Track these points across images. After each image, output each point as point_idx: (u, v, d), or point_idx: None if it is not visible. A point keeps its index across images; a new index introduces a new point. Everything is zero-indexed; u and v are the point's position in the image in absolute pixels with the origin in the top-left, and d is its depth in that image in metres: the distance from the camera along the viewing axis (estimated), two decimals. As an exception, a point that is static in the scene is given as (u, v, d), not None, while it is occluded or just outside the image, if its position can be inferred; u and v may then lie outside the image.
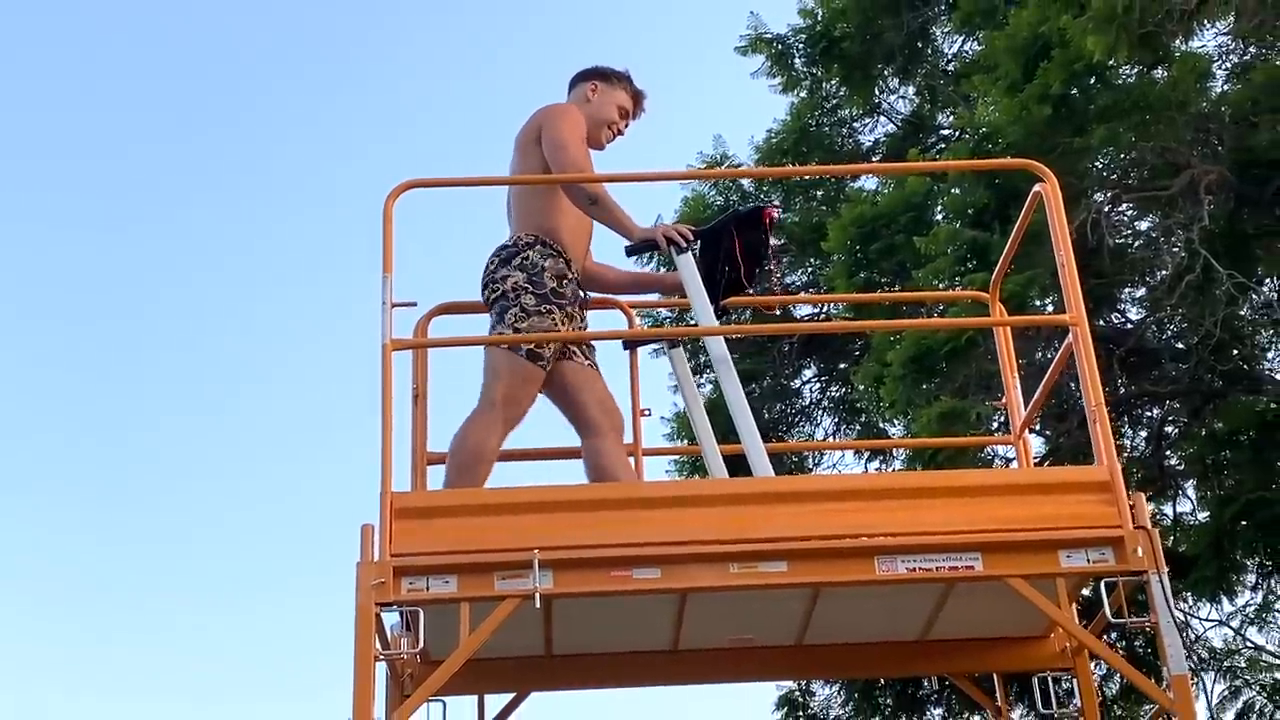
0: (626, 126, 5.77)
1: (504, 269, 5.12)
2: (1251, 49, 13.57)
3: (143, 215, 53.14)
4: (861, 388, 14.96)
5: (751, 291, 5.76)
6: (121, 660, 50.66)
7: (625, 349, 5.67)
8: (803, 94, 16.25)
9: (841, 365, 15.75)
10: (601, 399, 5.36)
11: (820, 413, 16.17)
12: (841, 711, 15.89)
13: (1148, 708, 9.77)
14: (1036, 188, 5.14)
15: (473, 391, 5.21)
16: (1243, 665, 15.78)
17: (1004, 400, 5.96)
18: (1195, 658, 14.09)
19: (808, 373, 16.13)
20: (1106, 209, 13.75)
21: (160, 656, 51.25)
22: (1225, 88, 13.43)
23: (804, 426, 16.39)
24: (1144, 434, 14.93)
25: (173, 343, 52.82)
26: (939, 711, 15.66)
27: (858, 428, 15.72)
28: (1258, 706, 15.63)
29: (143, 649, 51.96)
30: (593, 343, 5.56)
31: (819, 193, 15.56)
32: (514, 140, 5.51)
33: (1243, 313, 14.59)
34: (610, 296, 5.93)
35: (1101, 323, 13.00)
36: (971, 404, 12.36)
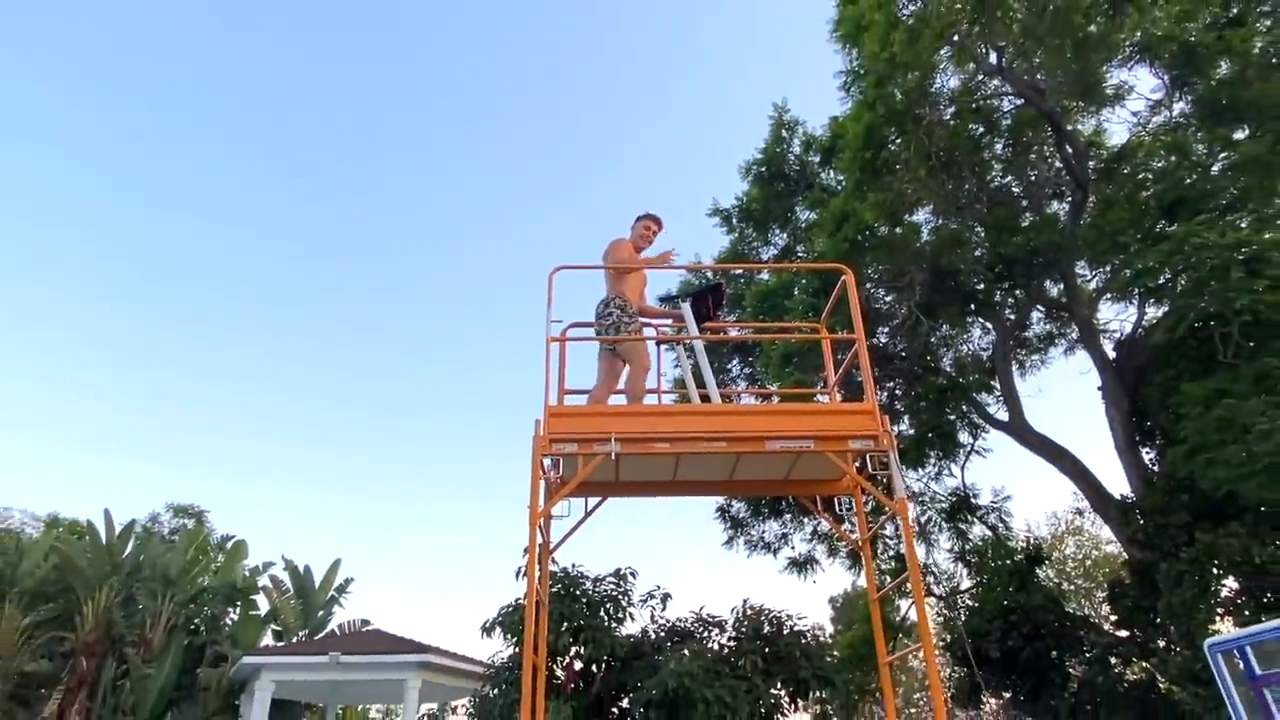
0: (654, 235, 5.81)
1: (609, 308, 5.23)
2: (941, 219, 13.46)
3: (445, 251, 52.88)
4: (760, 368, 14.97)
5: (717, 318, 5.78)
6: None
7: (658, 345, 5.69)
8: (735, 235, 16.25)
9: (750, 358, 15.71)
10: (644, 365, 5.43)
11: (740, 380, 16.11)
12: (745, 513, 15.84)
13: (883, 518, 9.76)
14: (844, 278, 5.10)
15: (584, 368, 5.40)
16: (927, 499, 15.73)
17: (825, 374, 5.91)
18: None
19: (735, 360, 16.07)
20: (872, 290, 13.69)
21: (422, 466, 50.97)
22: (929, 236, 13.33)
23: (735, 386, 16.37)
24: (884, 395, 14.82)
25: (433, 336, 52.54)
26: (789, 515, 15.60)
27: (757, 385, 15.67)
28: (935, 520, 15.56)
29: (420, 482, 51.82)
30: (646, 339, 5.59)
31: (742, 279, 15.50)
32: (602, 252, 5.57)
33: (932, 340, 14.54)
34: (651, 321, 5.97)
35: (870, 342, 12.96)
36: (810, 378, 12.31)
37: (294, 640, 20.23)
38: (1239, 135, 10.73)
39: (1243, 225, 9.56)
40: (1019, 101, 12.74)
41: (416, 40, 48.09)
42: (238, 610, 20.35)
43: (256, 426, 46.32)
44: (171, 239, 42.46)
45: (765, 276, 14.92)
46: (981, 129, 13.09)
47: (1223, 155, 10.75)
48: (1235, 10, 10.95)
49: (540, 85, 51.16)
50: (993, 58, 12.27)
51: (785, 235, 16.26)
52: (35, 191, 39.61)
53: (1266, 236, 8.97)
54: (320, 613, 21.56)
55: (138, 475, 41.42)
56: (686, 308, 5.32)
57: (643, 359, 5.25)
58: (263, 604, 21.16)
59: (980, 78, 12.72)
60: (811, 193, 15.17)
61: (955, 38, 11.59)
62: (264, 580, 21.87)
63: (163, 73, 41.64)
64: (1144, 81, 16.94)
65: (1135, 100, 12.47)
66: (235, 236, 43.99)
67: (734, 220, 16.16)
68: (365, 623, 20.75)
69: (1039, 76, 12.22)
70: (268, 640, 20.41)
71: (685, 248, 23.56)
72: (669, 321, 6.10)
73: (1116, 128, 13.53)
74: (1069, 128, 12.64)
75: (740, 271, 15.72)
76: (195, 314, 44.60)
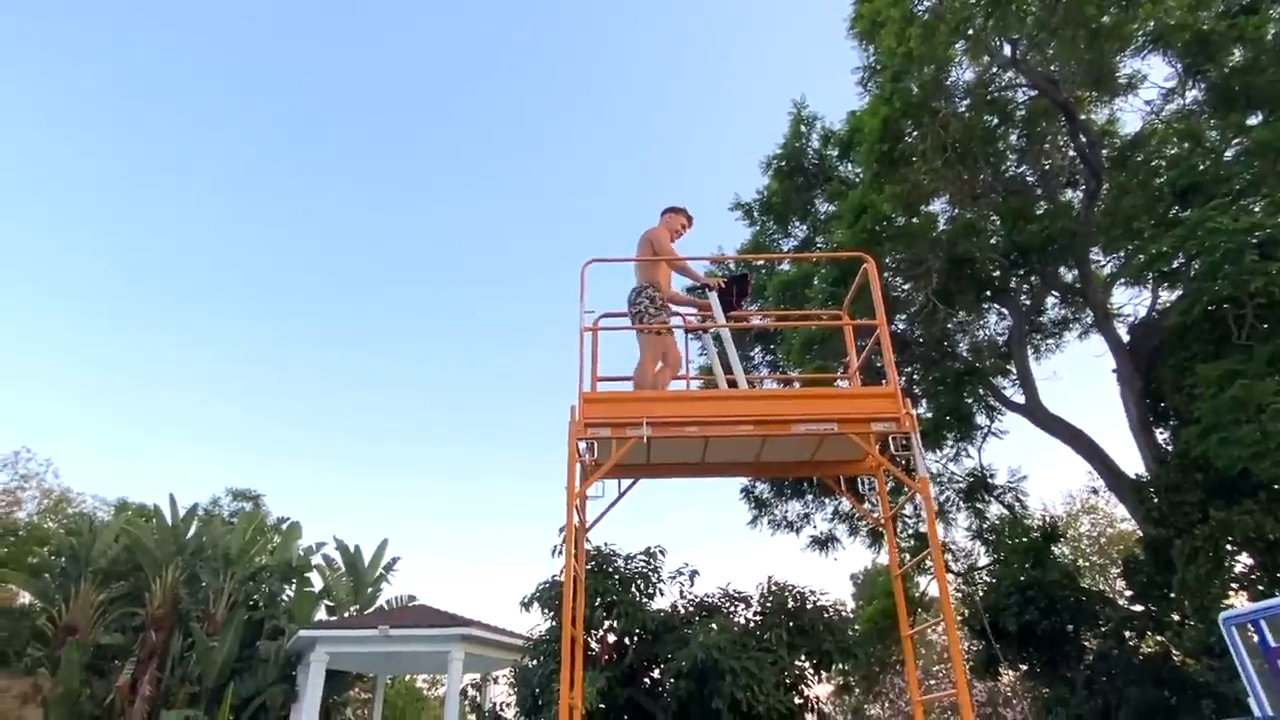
0: (685, 230, 5.79)
1: (640, 297, 5.24)
2: (957, 208, 13.25)
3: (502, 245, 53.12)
4: (783, 354, 14.86)
5: (741, 307, 5.75)
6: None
7: (686, 333, 5.68)
8: (757, 227, 16.07)
9: (773, 345, 15.60)
10: (676, 353, 5.39)
11: (763, 367, 16.01)
12: (769, 494, 15.75)
13: (903, 498, 9.66)
14: (865, 266, 5.06)
15: (615, 356, 5.37)
16: (945, 480, 15.54)
17: (848, 359, 5.87)
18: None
19: (758, 348, 15.95)
20: (891, 278, 13.53)
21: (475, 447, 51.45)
22: (945, 225, 13.12)
23: (758, 372, 16.27)
24: (903, 379, 14.64)
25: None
26: (810, 496, 15.51)
27: (780, 371, 15.55)
28: (953, 500, 15.36)
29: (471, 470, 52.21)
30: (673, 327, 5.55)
31: (765, 269, 15.41)
32: (637, 241, 5.54)
33: (949, 326, 14.35)
34: (679, 310, 5.95)
35: (889, 329, 12.83)
36: (831, 364, 12.23)
37: (346, 615, 20.58)
38: (1252, 121, 10.43)
39: (1256, 210, 9.30)
40: (1033, 92, 12.49)
41: (450, 29, 48.10)
42: (293, 587, 20.73)
43: (307, 414, 46.79)
44: (229, 230, 42.70)
45: (786, 267, 14.82)
46: (996, 120, 12.86)
47: (1236, 141, 10.46)
48: (1248, -2, 10.63)
49: (562, 84, 50.88)
50: (1007, 50, 12.04)
51: (805, 227, 16.09)
52: (103, 181, 40.12)
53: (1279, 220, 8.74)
54: (370, 589, 21.91)
55: (199, 461, 42.15)
56: (714, 297, 5.29)
57: (655, 348, 5.26)
58: (316, 581, 21.55)
59: (995, 70, 12.49)
60: (830, 185, 15.00)
61: (970, 32, 11.39)
62: (317, 559, 22.27)
63: (224, 72, 41.81)
64: (1157, 70, 16.54)
65: (1148, 89, 12.20)
66: (278, 231, 44.32)
67: (755, 213, 16.00)
68: (412, 598, 21.05)
69: (1052, 68, 11.97)
70: (321, 615, 20.78)
71: (708, 241, 23.43)
72: (695, 310, 6.08)
73: (1130, 116, 13.23)
74: (1082, 117, 12.37)
75: (762, 262, 15.61)
76: (248, 306, 44.94)
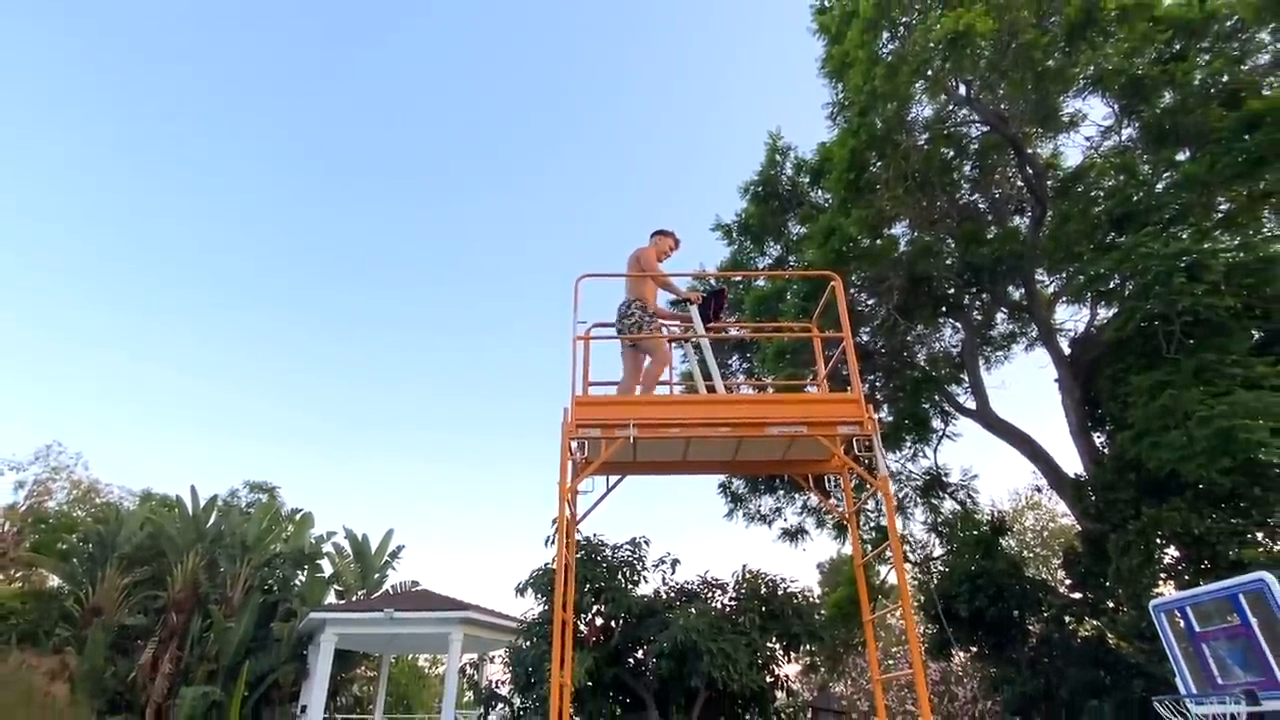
0: (673, 251, 5.77)
1: (630, 309, 5.24)
2: (916, 232, 13.33)
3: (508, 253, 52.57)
4: (757, 363, 14.87)
5: (719, 319, 5.74)
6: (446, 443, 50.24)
7: (669, 343, 5.67)
8: (736, 246, 16.04)
9: (749, 354, 15.58)
10: (665, 350, 5.39)
11: (739, 374, 15.98)
12: (744, 489, 15.72)
13: (866, 494, 9.63)
14: (832, 283, 5.08)
15: (604, 362, 5.36)
16: (904, 478, 15.57)
17: (816, 367, 5.88)
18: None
19: (735, 356, 15.93)
20: (856, 294, 13.59)
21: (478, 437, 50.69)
22: (906, 247, 13.18)
23: (735, 378, 16.25)
24: (866, 386, 14.67)
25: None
26: (782, 491, 15.51)
27: (754, 378, 15.53)
28: (911, 496, 15.35)
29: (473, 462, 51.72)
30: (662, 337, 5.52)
31: (742, 285, 15.41)
32: (627, 258, 5.53)
33: (908, 338, 14.42)
34: (664, 322, 5.93)
35: (853, 340, 12.84)
36: (802, 372, 12.24)
37: (353, 599, 20.37)
38: (1181, 157, 10.58)
39: (1184, 236, 9.44)
40: (985, 128, 12.62)
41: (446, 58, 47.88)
42: (305, 573, 20.51)
43: (325, 406, 46.09)
44: (238, 226, 41.61)
45: (762, 283, 14.82)
46: (952, 153, 12.96)
47: (1166, 175, 10.60)
48: (1178, 46, 10.78)
49: (563, 106, 50.69)
50: (962, 90, 12.17)
51: (779, 247, 16.06)
52: (130, 177, 38.93)
53: (1205, 246, 8.87)
54: (376, 575, 21.70)
55: (219, 454, 41.52)
56: (694, 311, 5.30)
57: (661, 353, 5.24)
58: (327, 568, 21.33)
59: (951, 107, 12.61)
60: (802, 210, 15.04)
61: (929, 72, 11.49)
62: (328, 547, 22.05)
63: (234, 73, 40.76)
64: (1096, 109, 16.70)
65: (1088, 126, 12.34)
66: (291, 227, 43.50)
67: (734, 234, 15.95)
68: (415, 584, 20.87)
69: (1003, 106, 12.10)
70: (331, 599, 20.57)
71: (691, 258, 23.39)
72: (678, 322, 6.07)
73: (1071, 151, 13.40)
74: (1029, 151, 12.51)
75: (740, 278, 15.61)
76: (259, 303, 43.76)
